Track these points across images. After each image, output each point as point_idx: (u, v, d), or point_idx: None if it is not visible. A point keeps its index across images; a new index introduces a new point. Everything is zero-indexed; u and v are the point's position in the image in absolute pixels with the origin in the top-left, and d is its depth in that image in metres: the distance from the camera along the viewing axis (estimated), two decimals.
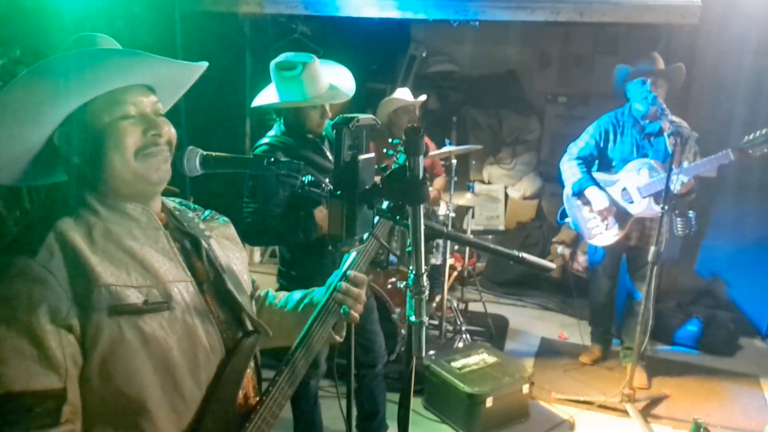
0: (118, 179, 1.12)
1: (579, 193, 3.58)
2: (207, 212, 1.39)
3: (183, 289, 1.15)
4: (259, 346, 1.32)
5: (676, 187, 3.07)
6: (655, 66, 3.34)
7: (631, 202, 3.42)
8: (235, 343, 1.22)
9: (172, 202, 1.32)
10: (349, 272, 1.37)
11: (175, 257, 1.17)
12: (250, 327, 1.27)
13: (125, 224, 1.13)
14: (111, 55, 1.11)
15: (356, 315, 1.37)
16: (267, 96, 2.45)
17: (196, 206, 1.39)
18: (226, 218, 1.42)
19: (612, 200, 3.47)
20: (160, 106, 1.19)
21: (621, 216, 3.48)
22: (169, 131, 1.18)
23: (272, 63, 2.38)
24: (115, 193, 1.13)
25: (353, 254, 1.39)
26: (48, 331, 1.00)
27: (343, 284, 1.35)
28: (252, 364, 1.26)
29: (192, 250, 1.23)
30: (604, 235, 3.57)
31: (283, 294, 1.51)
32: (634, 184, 3.39)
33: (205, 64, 1.25)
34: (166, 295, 1.11)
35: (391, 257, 2.69)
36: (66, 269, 1.03)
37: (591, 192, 3.51)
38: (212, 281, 1.23)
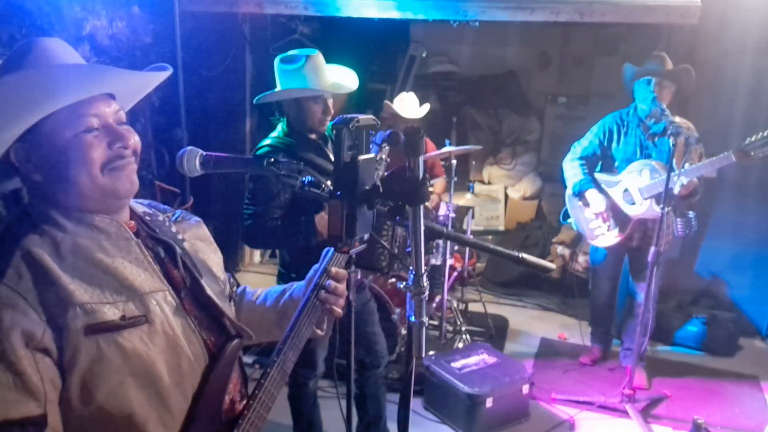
0: (84, 195, 1.07)
1: (579, 194, 3.59)
2: (177, 213, 1.34)
3: (161, 299, 1.11)
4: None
5: (676, 188, 3.07)
6: (663, 66, 3.33)
7: (633, 204, 3.42)
8: (218, 348, 1.19)
9: (140, 206, 1.26)
10: (330, 268, 1.34)
11: (150, 266, 1.13)
12: (232, 331, 1.24)
13: (94, 237, 1.08)
14: (68, 71, 1.05)
15: (339, 311, 1.34)
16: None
17: (166, 207, 1.34)
18: (198, 218, 1.37)
19: (612, 202, 3.47)
20: (122, 114, 1.13)
21: (622, 217, 3.48)
22: (135, 141, 1.12)
23: (276, 58, 2.41)
24: (81, 207, 1.08)
25: (332, 250, 1.36)
26: (23, 357, 0.95)
27: (330, 283, 1.32)
28: (237, 367, 1.24)
29: (166, 257, 1.18)
30: (606, 236, 3.56)
31: (261, 290, 1.47)
32: (636, 185, 3.39)
33: (168, 71, 1.19)
34: (144, 308, 1.07)
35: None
36: (36, 290, 0.98)
37: (590, 194, 3.50)
38: (189, 288, 1.19)
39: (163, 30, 4.26)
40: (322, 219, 2.31)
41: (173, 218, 1.31)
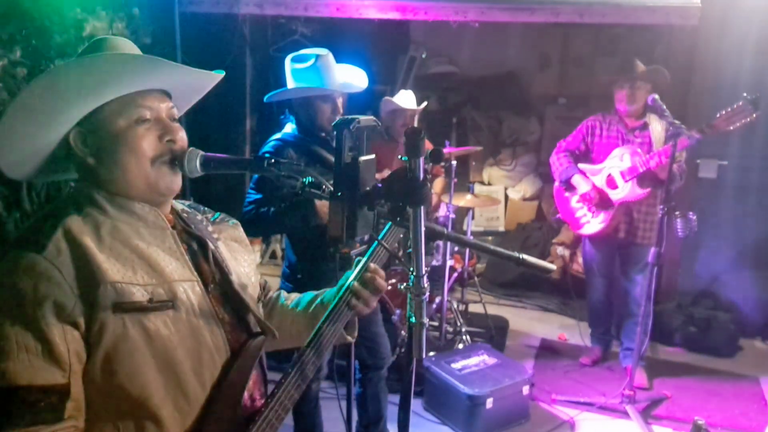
0: (130, 183, 1.13)
1: (566, 182, 3.67)
2: (216, 215, 1.40)
3: (189, 288, 1.15)
4: (269, 348, 1.31)
5: (650, 164, 3.27)
6: (633, 71, 3.46)
7: (616, 188, 3.49)
8: (241, 344, 1.22)
9: (180, 205, 1.33)
10: (369, 265, 1.37)
11: (182, 257, 1.18)
12: (256, 329, 1.27)
13: (133, 223, 1.14)
14: (131, 59, 1.12)
15: (371, 305, 1.35)
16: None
17: (206, 209, 1.40)
18: (235, 221, 1.43)
19: (597, 187, 3.56)
20: (175, 112, 1.21)
21: (606, 202, 3.56)
22: (182, 138, 1.19)
23: (288, 57, 2.43)
24: (126, 193, 1.14)
25: (364, 259, 1.39)
26: (53, 327, 1.00)
27: (368, 274, 1.34)
28: (258, 365, 1.26)
29: (199, 252, 1.23)
30: (591, 223, 3.64)
31: (294, 296, 1.51)
32: (618, 169, 3.49)
33: (221, 74, 1.27)
34: (172, 294, 1.12)
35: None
36: (73, 266, 1.03)
37: (576, 179, 3.62)
38: (218, 283, 1.23)
39: (163, 31, 4.26)
40: (323, 204, 2.30)
41: (212, 219, 1.37)
